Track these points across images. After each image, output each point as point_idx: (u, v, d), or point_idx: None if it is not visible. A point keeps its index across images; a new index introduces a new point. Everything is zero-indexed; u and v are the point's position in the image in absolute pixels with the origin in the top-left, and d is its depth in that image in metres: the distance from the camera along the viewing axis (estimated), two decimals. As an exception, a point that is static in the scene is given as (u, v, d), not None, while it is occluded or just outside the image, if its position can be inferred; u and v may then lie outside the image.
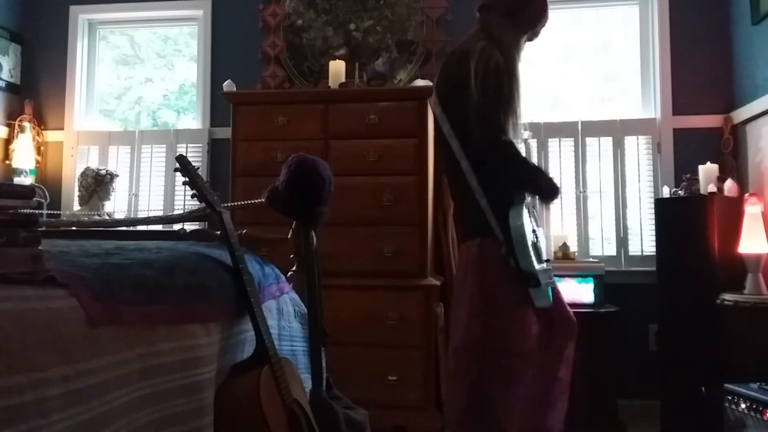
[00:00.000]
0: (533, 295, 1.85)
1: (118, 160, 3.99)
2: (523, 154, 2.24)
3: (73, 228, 2.09)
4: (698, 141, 3.45)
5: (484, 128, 1.85)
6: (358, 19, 3.77)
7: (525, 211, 1.88)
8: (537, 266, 1.83)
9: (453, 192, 2.16)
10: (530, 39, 2.11)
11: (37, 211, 1.10)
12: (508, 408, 1.84)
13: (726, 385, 2.36)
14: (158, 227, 2.68)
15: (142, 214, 3.75)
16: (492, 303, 1.88)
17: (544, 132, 3.66)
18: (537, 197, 1.99)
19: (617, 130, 3.62)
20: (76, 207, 3.67)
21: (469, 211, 1.95)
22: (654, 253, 3.28)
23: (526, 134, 2.34)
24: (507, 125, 1.87)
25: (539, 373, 1.90)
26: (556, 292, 1.98)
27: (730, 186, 3.10)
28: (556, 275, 3.08)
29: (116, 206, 3.81)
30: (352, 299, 2.96)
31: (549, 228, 3.57)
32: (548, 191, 1.95)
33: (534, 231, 1.92)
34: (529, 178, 1.94)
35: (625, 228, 3.58)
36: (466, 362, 1.88)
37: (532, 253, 1.82)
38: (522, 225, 1.81)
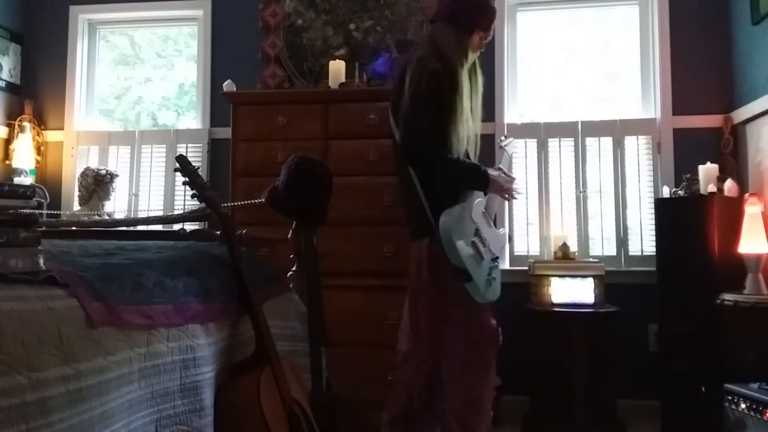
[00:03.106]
0: (469, 290, 1.99)
1: (118, 160, 3.99)
2: (503, 162, 2.34)
3: (73, 228, 2.09)
4: (698, 141, 3.44)
5: (409, 134, 1.98)
6: (358, 19, 3.77)
7: (469, 212, 2.01)
8: (467, 263, 1.95)
9: (403, 194, 2.26)
10: (484, 38, 2.16)
11: (37, 211, 1.10)
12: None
13: (726, 385, 2.35)
14: (158, 227, 2.69)
15: (142, 214, 3.75)
16: (446, 293, 2.07)
17: (544, 132, 3.66)
18: (476, 189, 2.11)
19: (617, 130, 3.61)
20: (76, 207, 3.67)
21: (416, 213, 2.10)
22: (654, 253, 3.28)
23: (505, 142, 2.41)
24: (441, 130, 1.98)
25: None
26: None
27: (730, 186, 3.10)
28: (556, 275, 3.14)
29: (116, 206, 3.81)
30: (352, 299, 2.96)
31: (549, 228, 3.57)
32: (478, 181, 2.08)
33: (478, 230, 2.03)
34: (453, 175, 2.06)
35: (625, 228, 3.58)
36: (427, 344, 2.10)
37: (462, 251, 1.94)
38: (448, 224, 1.94)
